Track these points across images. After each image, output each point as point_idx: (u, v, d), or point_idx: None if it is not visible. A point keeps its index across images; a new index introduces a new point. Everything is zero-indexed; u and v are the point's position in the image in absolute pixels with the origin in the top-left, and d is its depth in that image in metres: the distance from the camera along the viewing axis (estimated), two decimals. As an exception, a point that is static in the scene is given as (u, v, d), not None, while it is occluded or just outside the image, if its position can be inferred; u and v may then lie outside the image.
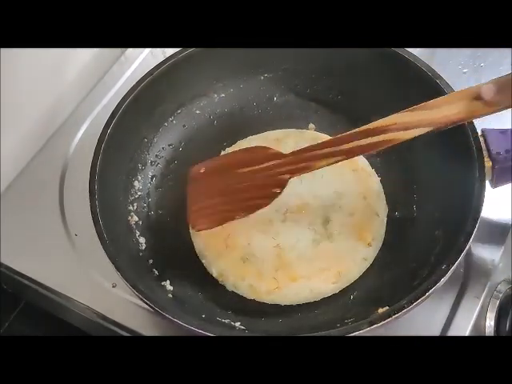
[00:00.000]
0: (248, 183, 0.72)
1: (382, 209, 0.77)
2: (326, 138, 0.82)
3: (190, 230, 0.78)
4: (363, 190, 0.78)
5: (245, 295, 0.74)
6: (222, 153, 0.84)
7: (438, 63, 0.79)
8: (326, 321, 0.70)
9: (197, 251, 0.77)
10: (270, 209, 0.75)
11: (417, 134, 0.64)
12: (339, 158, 0.68)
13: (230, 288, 0.74)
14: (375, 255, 0.75)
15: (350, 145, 0.67)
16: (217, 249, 0.75)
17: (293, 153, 0.70)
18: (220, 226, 0.75)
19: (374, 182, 0.79)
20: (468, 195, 0.68)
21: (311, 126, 0.86)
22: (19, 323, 0.87)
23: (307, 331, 0.67)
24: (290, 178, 0.70)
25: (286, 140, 0.82)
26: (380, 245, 0.76)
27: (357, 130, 0.67)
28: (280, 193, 0.71)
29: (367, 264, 0.74)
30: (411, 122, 0.64)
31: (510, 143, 0.71)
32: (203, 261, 0.76)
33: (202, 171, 0.77)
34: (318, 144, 0.70)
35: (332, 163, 0.69)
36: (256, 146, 0.76)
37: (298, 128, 0.85)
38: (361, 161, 0.80)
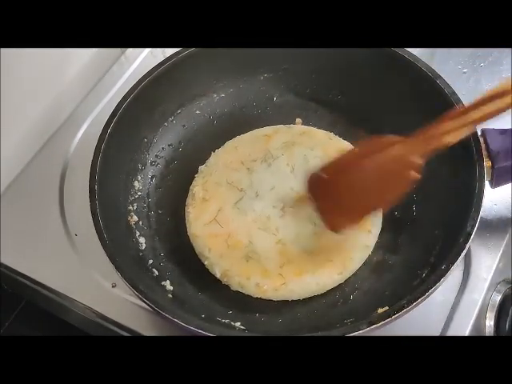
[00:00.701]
0: (379, 173, 0.69)
1: None
2: (313, 129, 0.83)
3: (189, 232, 0.78)
4: None
5: (251, 294, 0.73)
6: (212, 154, 0.83)
7: (437, 63, 0.80)
8: (325, 321, 0.70)
9: (197, 252, 0.77)
10: (267, 205, 0.76)
11: None
12: (467, 128, 0.65)
13: (235, 288, 0.73)
14: (376, 241, 0.75)
15: (479, 112, 0.64)
16: (218, 249, 0.75)
17: (418, 134, 0.67)
18: (219, 227, 0.75)
19: None
20: (468, 195, 0.68)
21: (298, 120, 0.86)
22: (19, 323, 0.86)
23: (307, 331, 0.67)
24: (422, 160, 0.67)
25: (276, 136, 0.82)
26: (379, 231, 0.75)
27: (484, 95, 0.63)
28: (419, 176, 0.67)
29: (369, 250, 0.74)
30: None
31: (509, 143, 0.71)
32: (205, 262, 0.75)
33: (324, 176, 0.72)
34: (444, 117, 0.66)
35: (460, 136, 0.65)
36: (372, 138, 0.73)
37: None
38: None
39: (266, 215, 0.76)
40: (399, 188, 0.69)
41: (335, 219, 0.72)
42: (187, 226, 0.78)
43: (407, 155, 0.67)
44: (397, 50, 0.78)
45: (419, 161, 0.67)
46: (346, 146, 0.81)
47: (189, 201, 0.80)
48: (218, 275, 0.74)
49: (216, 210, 0.77)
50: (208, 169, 0.81)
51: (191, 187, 0.81)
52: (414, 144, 0.67)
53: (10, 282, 0.85)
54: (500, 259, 0.76)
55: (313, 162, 0.78)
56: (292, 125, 0.85)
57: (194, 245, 0.77)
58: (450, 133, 0.65)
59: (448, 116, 0.66)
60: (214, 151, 0.83)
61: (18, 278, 0.82)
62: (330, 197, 0.72)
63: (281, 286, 0.72)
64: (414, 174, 0.67)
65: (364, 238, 0.74)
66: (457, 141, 0.66)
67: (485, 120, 0.64)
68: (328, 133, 0.83)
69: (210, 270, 0.75)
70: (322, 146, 0.80)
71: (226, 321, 0.71)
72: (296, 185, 0.77)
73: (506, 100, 0.62)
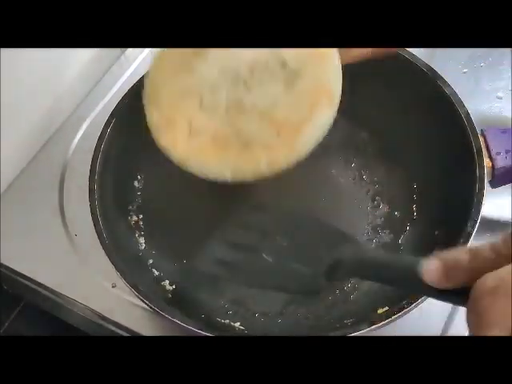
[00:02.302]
0: None
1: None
2: None
3: (177, 162, 0.68)
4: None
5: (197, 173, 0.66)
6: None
7: (438, 63, 0.80)
8: (326, 321, 0.70)
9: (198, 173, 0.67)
10: (228, 90, 0.67)
11: None
12: None
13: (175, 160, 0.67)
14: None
15: None
16: (213, 152, 0.66)
17: None
18: (201, 137, 0.66)
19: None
20: (468, 195, 0.68)
21: None
22: (19, 323, 0.87)
23: (307, 331, 0.67)
24: None
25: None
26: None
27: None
28: None
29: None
30: None
31: (510, 143, 0.71)
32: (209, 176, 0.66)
33: None
34: None
35: None
36: None
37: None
38: None
39: (234, 99, 0.66)
40: None
41: None
42: (170, 156, 0.68)
43: None
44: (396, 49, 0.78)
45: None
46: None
47: (157, 133, 0.69)
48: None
49: (187, 124, 0.67)
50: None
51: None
52: None
53: (10, 282, 0.85)
54: (500, 259, 0.76)
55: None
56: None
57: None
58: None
59: None
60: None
61: (18, 278, 0.82)
62: None
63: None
64: None
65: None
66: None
67: None
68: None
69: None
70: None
71: (226, 321, 0.71)
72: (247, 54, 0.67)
73: None
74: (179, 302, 0.72)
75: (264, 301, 0.74)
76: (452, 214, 0.71)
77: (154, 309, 0.64)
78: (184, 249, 0.78)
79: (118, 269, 0.67)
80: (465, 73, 0.92)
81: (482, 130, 0.72)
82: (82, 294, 0.79)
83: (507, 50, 0.92)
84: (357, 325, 0.62)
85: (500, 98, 0.89)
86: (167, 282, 0.74)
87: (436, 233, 0.72)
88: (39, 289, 0.81)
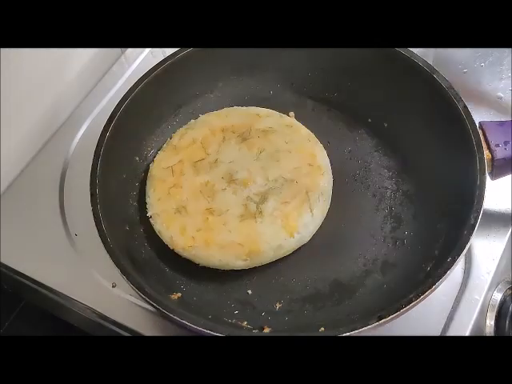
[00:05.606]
0: None
1: (320, 207, 0.77)
2: (299, 125, 0.84)
3: (149, 171, 0.81)
4: (309, 184, 0.78)
5: (166, 243, 0.76)
6: (206, 114, 0.86)
7: (437, 63, 0.80)
8: (332, 317, 0.71)
9: (146, 189, 0.80)
10: (218, 174, 0.78)
11: None
12: None
13: (156, 230, 0.77)
14: (294, 248, 0.76)
15: None
16: (160, 193, 0.78)
17: None
18: (171, 174, 0.79)
19: (324, 180, 0.79)
20: (469, 188, 0.69)
21: (291, 113, 0.86)
22: (19, 323, 0.87)
23: (314, 329, 0.67)
24: None
25: (265, 119, 0.83)
26: (305, 240, 0.76)
27: None
28: None
29: (283, 252, 0.75)
30: None
31: (508, 135, 0.71)
32: (146, 200, 0.79)
33: None
34: None
35: None
36: None
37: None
38: (320, 158, 0.80)
39: (212, 182, 0.78)
40: None
41: None
42: (150, 165, 0.82)
43: None
44: (396, 49, 0.78)
45: None
46: (317, 151, 0.81)
47: (164, 145, 0.83)
48: (148, 214, 0.78)
49: (178, 160, 0.80)
50: (194, 124, 0.84)
51: (173, 134, 0.84)
52: None
53: (10, 282, 0.85)
54: (501, 259, 0.76)
55: (281, 155, 0.80)
56: (284, 115, 0.85)
57: (147, 182, 0.80)
58: None
59: None
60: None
61: (18, 277, 0.82)
62: None
63: (188, 248, 0.74)
64: None
65: (282, 239, 0.74)
66: None
67: None
68: (310, 133, 0.83)
69: (147, 211, 0.78)
70: (298, 143, 0.81)
71: (233, 321, 0.71)
72: (253, 169, 0.79)
73: None
74: (185, 303, 0.72)
75: (270, 299, 0.74)
76: (454, 208, 0.71)
77: (161, 311, 0.65)
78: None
79: (123, 272, 0.67)
80: (465, 73, 0.92)
81: (480, 124, 0.72)
82: (82, 294, 0.79)
83: (507, 50, 0.92)
84: (366, 320, 0.62)
85: (500, 98, 0.89)
86: (171, 283, 0.74)
87: (438, 226, 0.72)
88: (39, 289, 0.81)
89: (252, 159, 0.79)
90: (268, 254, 0.74)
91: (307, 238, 0.76)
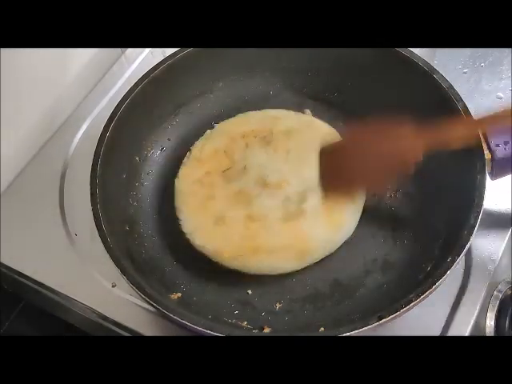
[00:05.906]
0: (381, 149, 0.72)
1: (360, 197, 0.77)
2: (319, 122, 0.83)
3: (175, 187, 0.79)
4: None
5: (211, 257, 0.74)
6: (221, 123, 0.84)
7: (438, 63, 0.80)
8: (332, 317, 0.71)
9: (176, 206, 0.78)
10: (250, 180, 0.77)
11: None
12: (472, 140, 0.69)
13: (197, 246, 0.75)
14: (344, 239, 0.75)
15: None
16: (194, 207, 0.77)
17: (427, 128, 0.69)
18: (202, 187, 0.78)
19: None
20: (469, 188, 0.69)
21: (307, 111, 0.86)
22: (19, 323, 0.87)
23: (314, 329, 0.67)
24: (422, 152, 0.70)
25: (283, 120, 0.82)
26: (351, 232, 0.76)
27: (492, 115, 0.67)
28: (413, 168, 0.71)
29: (333, 246, 0.75)
30: None
31: (508, 135, 0.71)
32: (180, 217, 0.77)
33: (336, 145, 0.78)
34: (454, 122, 0.70)
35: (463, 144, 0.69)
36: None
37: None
38: None
39: (246, 189, 0.76)
40: (393, 171, 0.72)
41: (332, 183, 0.76)
42: (175, 181, 0.79)
43: (412, 143, 0.69)
44: (396, 49, 0.78)
45: (420, 152, 0.69)
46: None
47: (185, 159, 0.81)
48: (186, 230, 0.76)
49: (204, 172, 0.79)
50: (212, 134, 0.83)
51: (192, 147, 0.82)
52: (421, 135, 0.69)
53: (10, 282, 0.85)
54: (501, 259, 0.76)
55: (308, 153, 0.78)
56: (301, 113, 0.85)
57: (175, 198, 0.78)
58: (456, 139, 0.68)
59: (457, 122, 0.70)
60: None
61: (18, 277, 0.82)
62: (334, 162, 0.76)
63: (237, 257, 0.73)
64: (411, 164, 0.70)
65: (330, 235, 0.74)
66: (459, 147, 0.68)
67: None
68: (331, 128, 0.82)
69: (182, 227, 0.76)
70: (322, 139, 0.80)
71: (233, 321, 0.71)
72: (285, 169, 0.77)
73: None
74: (185, 303, 0.72)
75: (270, 299, 0.74)
76: (454, 208, 0.71)
77: (161, 311, 0.64)
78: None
79: (123, 272, 0.66)
80: (465, 73, 0.92)
81: (480, 123, 0.72)
82: (82, 293, 0.79)
83: (507, 50, 0.92)
84: (366, 320, 0.62)
85: (500, 98, 0.89)
86: (171, 283, 0.74)
87: (438, 226, 0.73)
88: (39, 289, 0.81)
89: (280, 161, 0.77)
90: (318, 251, 0.74)
91: (353, 228, 0.76)
